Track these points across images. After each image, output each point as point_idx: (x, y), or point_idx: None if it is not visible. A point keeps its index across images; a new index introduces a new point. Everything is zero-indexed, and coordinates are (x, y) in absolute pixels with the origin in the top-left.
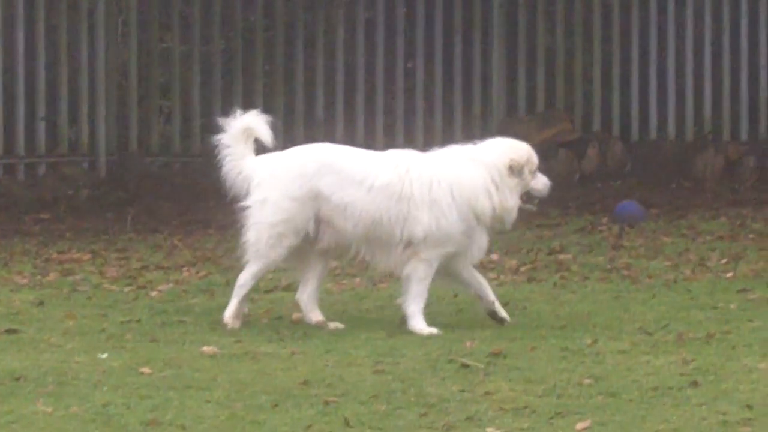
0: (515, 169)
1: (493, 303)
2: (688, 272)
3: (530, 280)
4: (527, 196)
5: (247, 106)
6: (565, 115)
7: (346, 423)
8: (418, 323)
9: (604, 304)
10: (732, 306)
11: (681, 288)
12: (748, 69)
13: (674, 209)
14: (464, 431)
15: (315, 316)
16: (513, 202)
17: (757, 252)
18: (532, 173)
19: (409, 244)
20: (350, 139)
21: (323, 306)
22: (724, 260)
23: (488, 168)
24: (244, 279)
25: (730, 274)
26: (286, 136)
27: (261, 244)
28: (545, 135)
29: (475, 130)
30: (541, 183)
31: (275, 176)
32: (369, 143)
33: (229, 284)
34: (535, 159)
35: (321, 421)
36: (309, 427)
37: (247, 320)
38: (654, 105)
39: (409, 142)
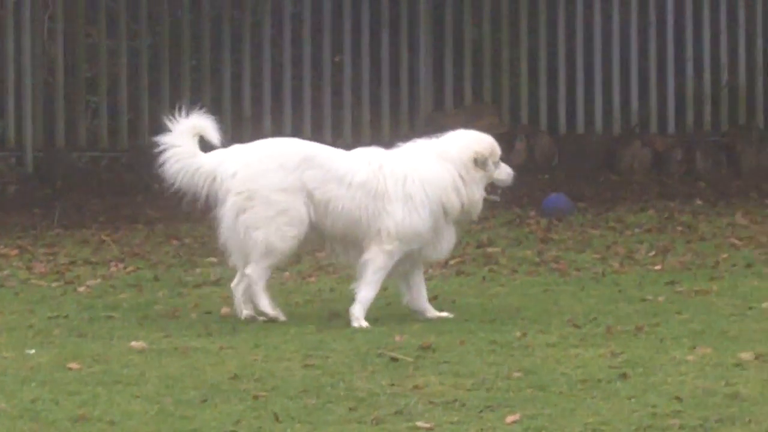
0: (480, 162)
1: (427, 311)
2: (616, 265)
3: (459, 273)
4: (491, 187)
5: (174, 102)
6: (493, 109)
7: (276, 418)
8: (359, 311)
9: (533, 298)
10: (660, 298)
11: (609, 281)
12: (674, 62)
13: (602, 202)
14: (394, 425)
15: (246, 309)
16: (479, 195)
17: (684, 244)
18: (496, 164)
19: (377, 236)
20: (278, 134)
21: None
22: (653, 253)
23: (455, 163)
24: (259, 273)
25: (658, 267)
26: None
27: (272, 238)
28: (473, 128)
29: (402, 123)
30: (504, 173)
31: (251, 166)
32: (296, 137)
33: (158, 279)
34: (498, 150)
35: (250, 416)
36: (238, 422)
37: (176, 315)
38: (581, 98)
39: (337, 137)
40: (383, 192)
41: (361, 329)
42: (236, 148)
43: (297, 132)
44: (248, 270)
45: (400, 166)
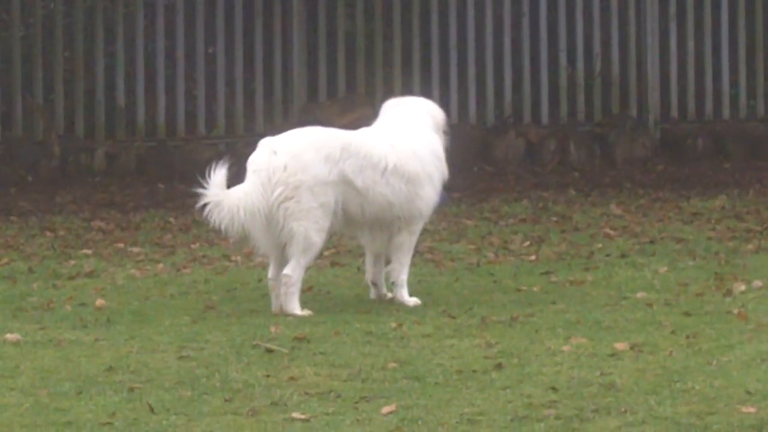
0: (445, 129)
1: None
2: (491, 255)
3: (333, 264)
4: None
5: (48, 93)
6: (366, 100)
7: (151, 409)
8: (405, 294)
9: (408, 288)
10: (535, 289)
11: (484, 271)
12: (547, 53)
13: (476, 192)
14: (269, 416)
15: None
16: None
17: (559, 234)
18: None
19: (407, 220)
20: (151, 126)
21: (128, 292)
22: (527, 243)
23: (439, 132)
24: (299, 274)
25: (532, 257)
26: (87, 122)
27: (311, 232)
28: (346, 119)
29: (276, 114)
30: None
31: (299, 158)
32: (170, 129)
33: (32, 270)
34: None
35: (125, 408)
36: (113, 414)
37: (50, 307)
38: (454, 89)
39: (210, 128)
40: (415, 175)
41: (416, 306)
42: (283, 139)
43: (170, 123)
44: (288, 270)
45: (417, 145)
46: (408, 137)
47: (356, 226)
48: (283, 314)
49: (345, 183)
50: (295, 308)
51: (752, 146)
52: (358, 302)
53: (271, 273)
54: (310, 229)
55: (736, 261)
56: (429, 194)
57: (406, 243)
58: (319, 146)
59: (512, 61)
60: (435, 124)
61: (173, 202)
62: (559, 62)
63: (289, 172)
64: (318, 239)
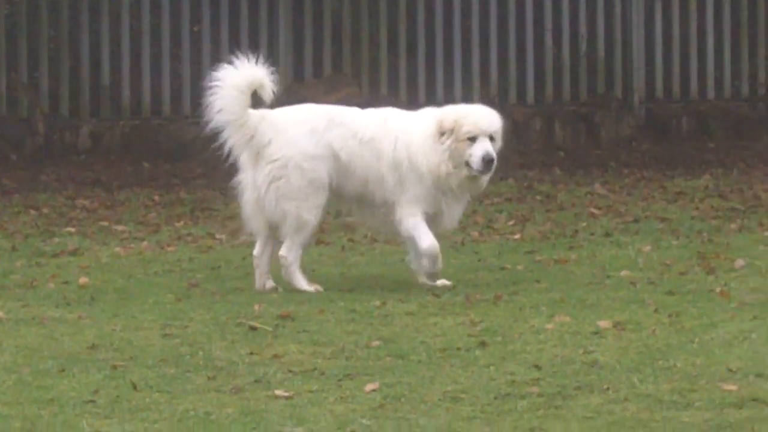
0: (440, 131)
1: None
2: (475, 234)
3: (318, 243)
4: (467, 166)
5: (33, 71)
6: (352, 80)
7: (134, 387)
8: (432, 279)
9: (392, 267)
10: (519, 267)
11: (469, 250)
12: (533, 33)
13: None
14: (253, 394)
15: (270, 281)
16: (444, 166)
17: (543, 214)
18: (461, 140)
19: (391, 204)
20: (136, 104)
21: (111, 270)
22: (512, 222)
23: (430, 129)
24: (294, 254)
25: (517, 236)
26: (71, 100)
27: (302, 211)
28: (332, 99)
29: None
30: (471, 154)
31: (285, 133)
32: (155, 108)
33: (16, 248)
34: (464, 126)
35: (109, 386)
36: (96, 391)
37: (33, 285)
38: (441, 68)
39: (195, 107)
40: (383, 153)
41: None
42: (272, 112)
43: (155, 102)
44: (283, 251)
45: (397, 128)
46: (398, 120)
47: (347, 201)
48: (297, 292)
49: (332, 156)
50: (302, 284)
51: (736, 126)
52: (342, 280)
53: (256, 250)
54: (301, 208)
55: (720, 240)
56: (390, 180)
57: (402, 225)
58: (305, 120)
59: (498, 41)
60: (429, 123)
61: (158, 180)
62: (545, 43)
63: (273, 147)
64: (310, 217)
